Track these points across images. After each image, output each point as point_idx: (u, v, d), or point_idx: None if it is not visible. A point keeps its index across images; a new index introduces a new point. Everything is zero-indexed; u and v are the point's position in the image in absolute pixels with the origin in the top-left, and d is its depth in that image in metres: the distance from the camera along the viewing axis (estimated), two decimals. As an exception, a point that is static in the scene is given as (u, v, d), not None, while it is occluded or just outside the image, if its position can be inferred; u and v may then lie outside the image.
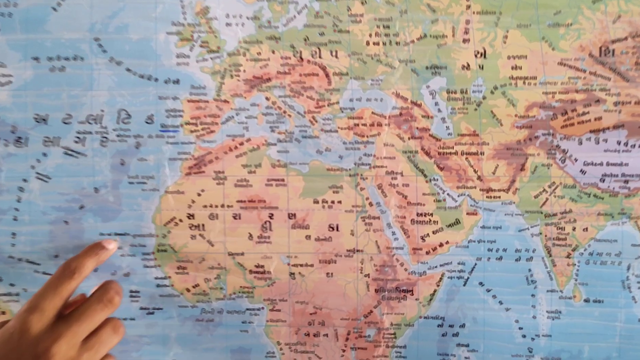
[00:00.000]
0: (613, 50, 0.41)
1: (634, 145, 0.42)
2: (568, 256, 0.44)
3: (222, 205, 0.45)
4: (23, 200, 0.44)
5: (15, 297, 0.46)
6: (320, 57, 0.44)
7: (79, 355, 0.36)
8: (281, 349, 0.46)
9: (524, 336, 0.45)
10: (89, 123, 0.44)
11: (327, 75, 0.44)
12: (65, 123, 0.44)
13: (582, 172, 0.43)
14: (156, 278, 0.46)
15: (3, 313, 0.46)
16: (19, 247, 0.45)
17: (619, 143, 0.42)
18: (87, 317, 0.37)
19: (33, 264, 0.45)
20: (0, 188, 0.44)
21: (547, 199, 0.43)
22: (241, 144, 0.45)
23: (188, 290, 0.46)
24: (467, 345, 0.45)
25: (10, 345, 0.35)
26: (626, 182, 0.42)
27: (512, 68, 0.42)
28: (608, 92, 0.42)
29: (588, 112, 0.43)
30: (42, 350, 0.35)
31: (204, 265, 0.45)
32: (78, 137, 0.44)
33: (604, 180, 0.43)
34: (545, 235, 0.44)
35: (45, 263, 0.45)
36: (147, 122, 0.44)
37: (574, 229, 0.43)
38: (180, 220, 0.45)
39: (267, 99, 0.44)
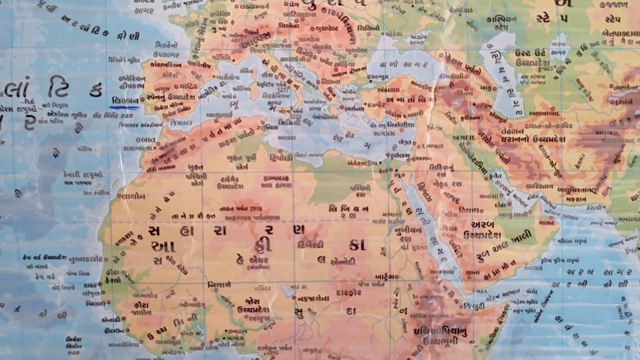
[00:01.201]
0: None
1: None
2: None
3: (200, 215, 0.39)
4: None
5: None
6: (340, 3, 0.38)
7: None
8: None
9: None
10: (8, 95, 0.38)
11: (349, 30, 0.38)
12: None
13: None
14: (105, 320, 0.39)
15: None
16: None
17: None
18: None
19: None
20: None
21: None
22: (227, 126, 0.39)
23: (151, 336, 0.39)
24: None
25: None
26: None
27: (608, 20, 0.38)
28: None
29: None
30: None
31: (173, 301, 0.39)
32: None
33: None
34: None
35: None
36: (92, 95, 0.38)
37: None
38: (140, 237, 0.39)
39: (264, 62, 0.38)
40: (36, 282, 0.38)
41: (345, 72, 0.38)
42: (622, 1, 0.37)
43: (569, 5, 0.38)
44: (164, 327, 0.39)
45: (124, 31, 0.37)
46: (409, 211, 0.38)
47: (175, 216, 0.38)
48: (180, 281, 0.38)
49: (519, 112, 0.38)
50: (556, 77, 0.38)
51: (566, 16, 0.37)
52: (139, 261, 0.38)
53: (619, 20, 0.37)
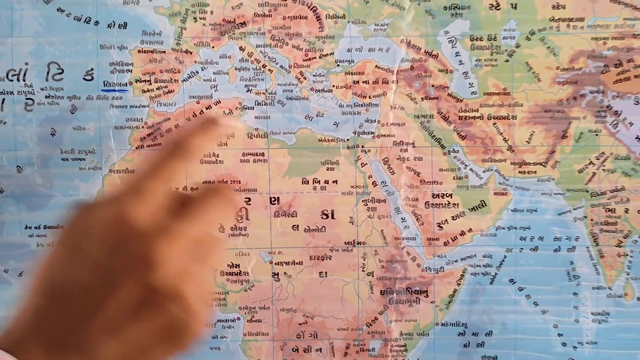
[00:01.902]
0: (679, -16, 0.36)
1: None
2: (619, 245, 0.41)
3: (185, 188, 0.40)
4: None
5: None
6: None
7: (189, 269, 0.26)
8: None
9: (564, 344, 0.42)
10: (10, 80, 0.40)
11: (318, 19, 0.40)
12: None
13: (639, 139, 0.40)
14: None
15: None
16: None
17: None
18: (206, 217, 0.28)
19: None
20: None
21: (594, 174, 0.41)
22: (208, 107, 0.41)
23: None
24: (495, 358, 0.42)
25: (102, 239, 0.25)
26: None
27: (554, 7, 0.39)
28: None
29: None
30: (151, 250, 0.25)
31: None
32: None
33: None
34: (592, 220, 0.41)
35: None
36: (85, 79, 0.40)
37: (626, 210, 0.40)
38: None
39: (241, 49, 0.40)
40: (37, 250, 0.40)
41: (315, 58, 0.39)
42: (567, -10, 0.39)
43: (519, -7, 0.39)
44: None
45: (113, 21, 0.39)
46: (374, 184, 0.40)
47: None
48: None
49: (473, 92, 0.40)
50: (507, 61, 0.39)
51: (516, 4, 0.38)
52: None
53: (564, 8, 0.38)
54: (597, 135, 0.39)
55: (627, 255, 0.40)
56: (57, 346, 0.24)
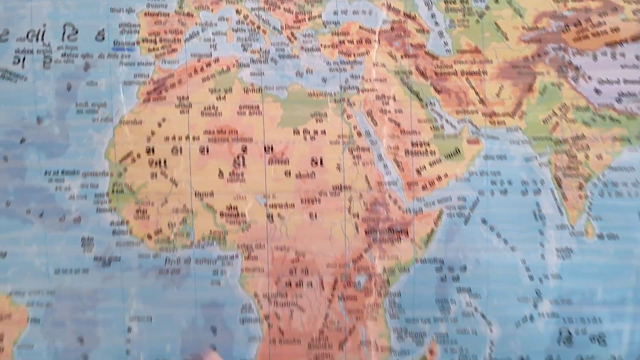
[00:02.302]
0: (632, -51, 0.40)
1: None
2: (580, 187, 0.44)
3: (187, 138, 0.44)
4: None
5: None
6: None
7: None
8: (259, 302, 0.46)
9: (531, 278, 0.45)
10: (29, 40, 0.43)
11: None
12: (0, 41, 0.43)
13: (597, 91, 0.43)
14: (112, 223, 0.44)
15: None
16: (-52, 189, 0.43)
17: (638, 58, 0.43)
18: None
19: None
20: None
21: (557, 124, 0.43)
22: (208, 65, 0.43)
23: (149, 236, 0.45)
24: (469, 290, 0.45)
25: None
26: None
27: None
28: None
29: (604, 23, 0.42)
30: None
31: (167, 208, 0.44)
32: (17, 57, 0.43)
33: (620, 101, 0.43)
34: (555, 165, 0.44)
35: None
36: (97, 39, 0.43)
37: (586, 156, 0.44)
38: (139, 156, 0.44)
39: (237, 12, 0.43)
40: (55, 193, 0.43)
41: (304, 20, 0.42)
42: (531, -45, 0.41)
43: (488, -41, 0.41)
44: (160, 229, 0.44)
45: None
46: (359, 134, 0.43)
47: (167, 138, 0.43)
48: (172, 192, 0.44)
49: (448, 50, 0.42)
50: (478, 21, 0.42)
51: None
52: (138, 175, 0.43)
53: None
54: (559, 88, 0.42)
55: (587, 197, 0.43)
56: None
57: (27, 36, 0.42)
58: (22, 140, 0.43)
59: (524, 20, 0.42)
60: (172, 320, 0.45)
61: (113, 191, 0.44)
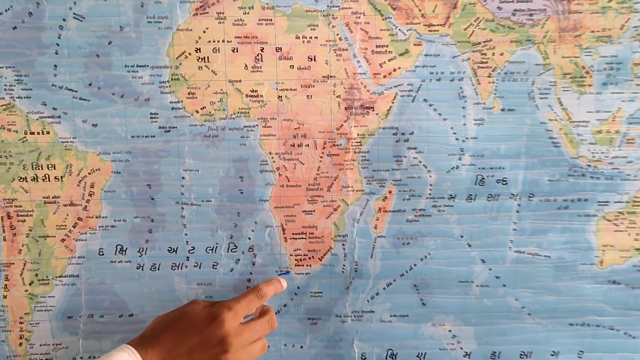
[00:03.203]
0: None
1: None
2: (489, 76, 0.60)
3: (223, 41, 0.58)
4: (62, 37, 0.58)
5: (57, 119, 0.59)
6: None
7: (243, 351, 0.54)
8: (272, 158, 0.61)
9: (457, 139, 0.61)
10: None
11: None
12: None
13: (499, 8, 0.58)
14: (171, 102, 0.59)
15: (48, 132, 0.58)
16: (59, 76, 0.58)
17: None
18: (257, 332, 0.56)
19: (71, 91, 0.59)
20: (44, 26, 0.57)
21: (473, 31, 0.59)
22: None
23: (197, 111, 0.59)
24: (415, 148, 0.61)
25: (202, 326, 0.53)
26: (531, 15, 0.59)
27: None
28: None
29: None
30: (225, 338, 0.53)
31: (209, 91, 0.59)
32: None
33: (515, 14, 0.59)
34: (472, 60, 0.59)
35: (80, 90, 0.59)
36: None
37: (493, 54, 0.59)
38: (190, 54, 0.58)
39: None
40: (132, 80, 0.57)
41: None
42: None
43: None
44: (204, 106, 0.58)
45: None
46: (340, 38, 0.58)
47: (209, 41, 0.57)
48: (212, 79, 0.58)
49: None
50: None
51: None
52: (189, 68, 0.57)
53: None
54: (474, 6, 0.58)
55: (494, 82, 0.60)
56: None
57: None
58: (110, 42, 0.57)
59: None
60: (212, 171, 0.61)
61: (172, 79, 0.58)
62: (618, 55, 0.60)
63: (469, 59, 0.60)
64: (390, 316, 0.64)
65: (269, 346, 0.59)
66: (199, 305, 0.56)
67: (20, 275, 0.61)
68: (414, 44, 0.59)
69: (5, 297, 0.61)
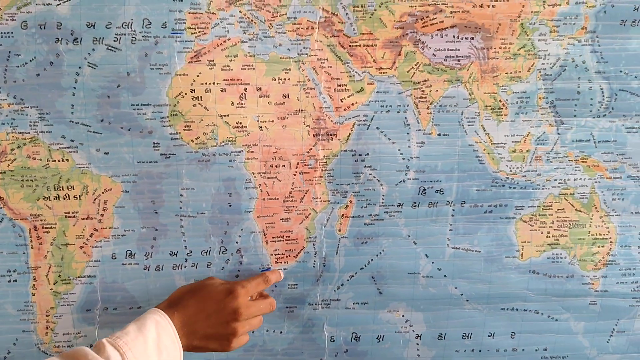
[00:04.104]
0: (448, -20, 0.70)
1: (462, 38, 0.69)
2: (427, 108, 0.69)
3: (213, 83, 0.65)
4: (79, 81, 0.67)
5: (75, 149, 0.69)
6: None
7: (247, 322, 0.64)
8: (255, 177, 0.70)
9: (403, 158, 0.70)
10: (123, 28, 0.64)
11: None
12: (107, 28, 0.64)
13: (434, 55, 0.68)
14: (170, 134, 0.67)
15: (67, 160, 0.69)
16: (76, 114, 0.68)
17: (453, 37, 0.68)
18: (261, 309, 0.67)
19: (86, 125, 0.68)
20: (63, 73, 0.67)
21: (414, 73, 0.68)
22: (224, 41, 0.65)
23: (192, 141, 0.67)
24: (370, 166, 0.70)
25: (219, 297, 0.63)
26: (459, 60, 0.70)
27: None
28: (446, 5, 0.67)
29: (435, 18, 0.67)
30: (238, 309, 0.63)
31: (202, 124, 0.67)
32: (116, 38, 0.64)
33: (446, 60, 0.68)
34: (414, 96, 0.68)
35: (94, 125, 0.69)
36: (162, 27, 0.64)
37: (430, 91, 0.68)
38: (186, 94, 0.66)
39: (240, 11, 0.65)
40: (137, 116, 0.65)
41: (277, 16, 0.64)
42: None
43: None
44: (198, 136, 0.66)
45: None
46: (308, 80, 0.66)
47: (202, 83, 0.65)
48: (205, 114, 0.66)
49: (355, 33, 0.65)
50: (370, 17, 0.65)
51: None
52: (185, 105, 0.65)
53: None
54: (414, 53, 0.67)
55: (431, 113, 0.71)
56: (186, 323, 0.60)
57: (122, 25, 0.63)
58: (118, 85, 0.64)
59: (394, 17, 0.66)
60: (205, 189, 0.71)
61: (171, 115, 0.66)
62: (526, 91, 0.73)
63: (411, 94, 0.69)
64: (354, 304, 0.77)
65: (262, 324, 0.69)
66: (217, 281, 0.68)
67: (46, 277, 0.71)
68: (368, 83, 0.68)
69: (34, 294, 0.72)
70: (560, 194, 0.74)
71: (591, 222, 0.75)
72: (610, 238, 0.75)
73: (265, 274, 0.70)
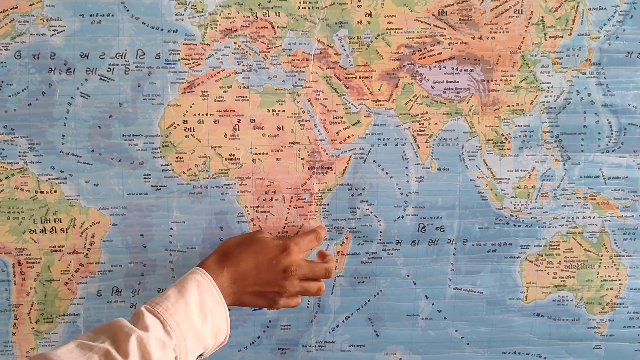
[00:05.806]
0: (446, 11, 0.69)
1: (461, 70, 0.69)
2: (426, 141, 0.68)
3: (206, 114, 0.65)
4: (70, 111, 0.66)
5: (64, 180, 0.67)
6: (268, 16, 0.65)
7: (298, 284, 0.62)
8: (247, 210, 0.69)
9: (401, 193, 0.68)
10: (117, 58, 0.64)
11: (273, 28, 0.66)
12: (100, 58, 0.64)
13: (432, 87, 0.67)
14: (161, 165, 0.66)
15: (55, 191, 0.67)
16: (66, 144, 0.67)
17: (452, 68, 0.68)
18: (315, 272, 0.63)
19: (76, 156, 0.67)
20: (55, 103, 0.66)
21: (412, 105, 0.67)
22: (218, 72, 0.65)
23: (184, 172, 0.66)
24: (367, 201, 0.69)
25: (273, 253, 0.60)
26: (458, 92, 0.69)
27: (387, 23, 0.66)
28: (444, 37, 0.67)
29: (433, 50, 0.66)
30: (290, 267, 0.60)
31: (194, 155, 0.66)
32: (109, 68, 0.64)
33: (445, 92, 0.67)
34: (412, 129, 0.67)
35: (84, 155, 0.67)
36: (155, 58, 0.64)
37: (429, 124, 0.67)
38: (178, 125, 0.65)
39: (235, 43, 0.66)
40: (129, 147, 0.64)
41: (272, 47, 0.64)
42: (393, 15, 0.66)
43: (371, 16, 0.64)
44: (190, 168, 0.65)
45: (170, 28, 0.63)
46: (303, 112, 0.65)
47: (195, 115, 0.65)
48: (197, 146, 0.65)
49: (351, 65, 0.65)
50: (367, 48, 0.64)
51: (370, 21, 0.64)
52: (178, 136, 0.64)
53: (392, 23, 0.64)
54: (412, 85, 0.66)
55: (431, 146, 0.69)
56: (237, 279, 0.57)
57: (116, 56, 0.64)
58: (110, 116, 0.65)
59: (391, 48, 0.66)
60: (196, 222, 0.69)
61: (162, 146, 0.65)
62: (530, 124, 0.70)
63: (409, 127, 0.68)
64: (349, 346, 0.72)
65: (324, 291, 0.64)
66: (267, 234, 0.64)
67: (28, 315, 0.68)
68: (364, 116, 0.67)
69: (14, 334, 0.68)
70: (568, 233, 0.69)
71: (600, 263, 0.70)
72: (620, 280, 0.70)
73: (316, 230, 0.67)
